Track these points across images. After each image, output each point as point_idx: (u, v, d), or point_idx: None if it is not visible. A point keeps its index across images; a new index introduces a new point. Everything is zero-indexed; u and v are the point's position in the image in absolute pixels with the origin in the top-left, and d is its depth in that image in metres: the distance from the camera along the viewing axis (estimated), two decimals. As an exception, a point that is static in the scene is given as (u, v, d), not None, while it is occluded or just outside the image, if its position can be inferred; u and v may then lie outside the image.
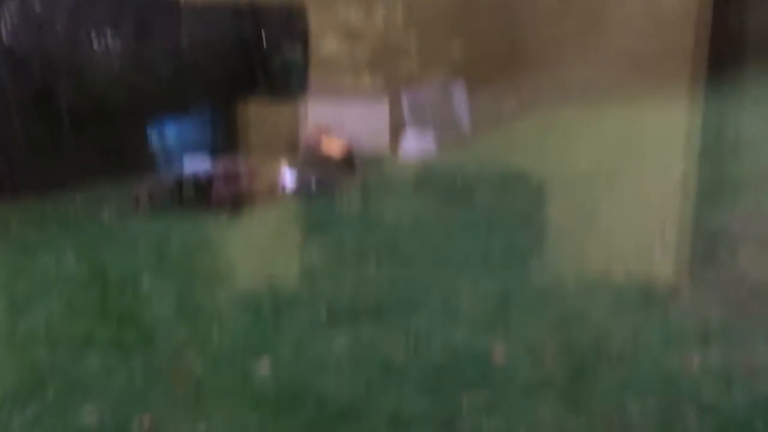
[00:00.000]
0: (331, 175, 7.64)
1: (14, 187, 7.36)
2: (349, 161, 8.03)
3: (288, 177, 7.61)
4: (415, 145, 8.88)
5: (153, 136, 7.58)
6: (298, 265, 5.51)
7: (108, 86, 8.00)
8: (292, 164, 7.77)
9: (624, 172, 6.76)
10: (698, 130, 7.41)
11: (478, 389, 3.67)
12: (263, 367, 3.86)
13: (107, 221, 6.74)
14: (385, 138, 8.97)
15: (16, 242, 6.28)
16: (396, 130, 9.02)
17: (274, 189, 7.58)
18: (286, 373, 3.81)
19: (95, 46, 8.14)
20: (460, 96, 9.30)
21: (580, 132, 8.15)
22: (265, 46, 8.77)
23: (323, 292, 5.00)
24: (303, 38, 8.90)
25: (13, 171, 7.53)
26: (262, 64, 8.78)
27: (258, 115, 8.48)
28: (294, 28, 8.93)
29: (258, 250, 5.77)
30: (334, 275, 5.31)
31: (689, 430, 3.27)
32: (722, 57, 7.88)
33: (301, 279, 5.23)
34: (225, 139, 7.86)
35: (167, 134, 7.63)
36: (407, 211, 6.79)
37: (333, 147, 8.09)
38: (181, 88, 8.13)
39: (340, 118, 8.45)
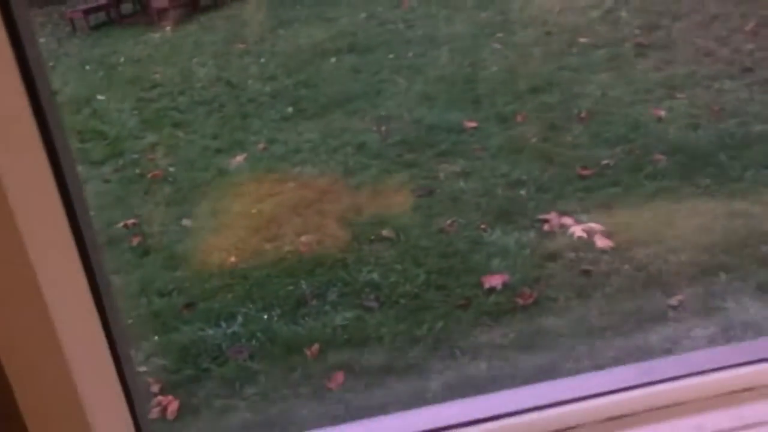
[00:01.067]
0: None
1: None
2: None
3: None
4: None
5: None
6: (256, 67, 5.31)
7: None
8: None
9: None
10: None
11: (453, 158, 3.73)
12: (237, 161, 3.85)
13: (47, 47, 6.30)
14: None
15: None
16: None
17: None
18: (261, 164, 3.80)
19: None
20: None
21: None
22: None
23: (287, 89, 4.87)
24: None
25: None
26: None
27: None
28: None
29: (210, 55, 5.51)
30: (297, 72, 5.14)
31: (658, 170, 3.40)
32: None
33: (262, 79, 5.06)
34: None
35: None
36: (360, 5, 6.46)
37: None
38: None
39: None
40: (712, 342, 2.31)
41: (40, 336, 0.64)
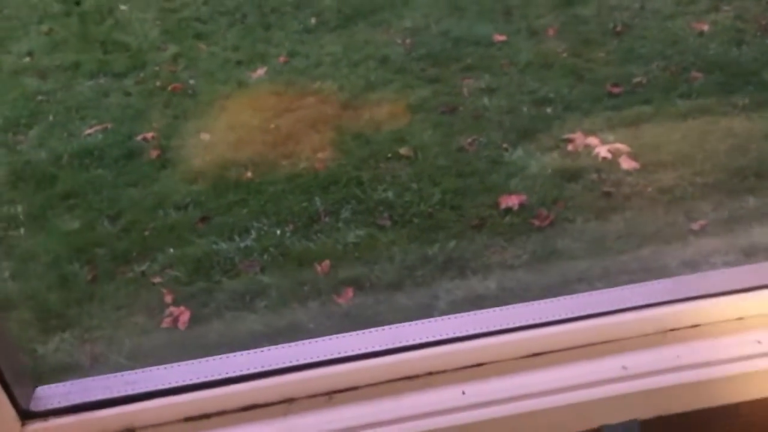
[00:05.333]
0: None
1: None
2: None
3: None
4: None
5: None
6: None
7: None
8: None
9: None
10: None
11: (479, 73, 3.59)
12: (258, 74, 3.77)
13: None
14: None
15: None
16: None
17: None
18: (282, 78, 3.72)
19: None
20: None
21: None
22: None
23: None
24: None
25: None
26: None
27: None
28: None
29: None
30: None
31: (694, 88, 3.22)
32: None
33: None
34: None
35: None
36: None
37: None
38: None
39: None
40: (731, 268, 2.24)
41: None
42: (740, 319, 0.79)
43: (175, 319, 2.17)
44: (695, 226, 2.46)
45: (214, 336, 2.15)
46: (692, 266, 2.32)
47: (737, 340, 0.78)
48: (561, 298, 0.82)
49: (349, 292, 2.29)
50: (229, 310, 2.24)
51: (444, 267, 2.36)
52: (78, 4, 5.04)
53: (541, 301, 0.83)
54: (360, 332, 0.82)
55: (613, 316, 0.76)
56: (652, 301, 0.77)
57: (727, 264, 2.29)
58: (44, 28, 4.70)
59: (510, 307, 0.81)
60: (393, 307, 2.21)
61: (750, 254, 2.31)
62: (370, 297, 2.27)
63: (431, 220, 2.59)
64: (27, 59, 4.23)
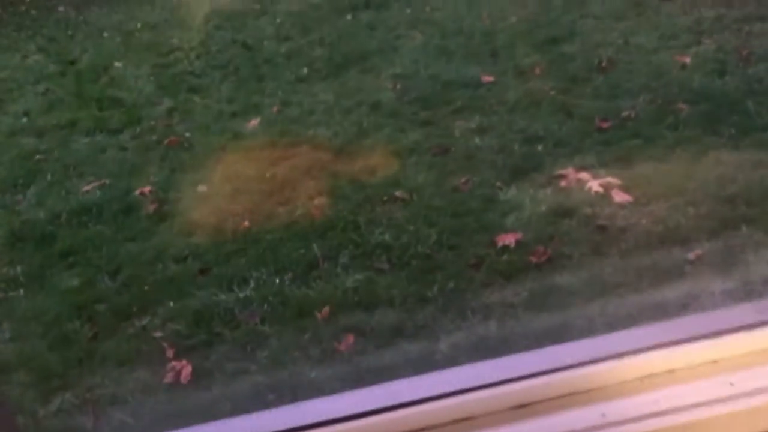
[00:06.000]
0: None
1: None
2: None
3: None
4: None
5: None
6: (272, 27, 5.24)
7: None
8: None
9: None
10: None
11: (469, 114, 3.66)
12: (252, 125, 3.84)
13: (65, 15, 6.32)
14: None
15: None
16: None
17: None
18: (276, 127, 3.78)
19: None
20: None
21: None
22: None
23: (303, 48, 4.81)
24: None
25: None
26: None
27: None
28: None
29: (226, 17, 5.45)
30: (312, 30, 5.07)
31: (681, 119, 3.28)
32: None
33: (277, 40, 5.00)
34: None
35: None
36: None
37: None
38: None
39: None
40: (730, 297, 2.25)
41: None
42: (714, 362, 0.82)
43: (177, 374, 2.16)
44: (691, 255, 2.48)
45: (217, 389, 2.14)
46: (692, 296, 2.33)
47: (711, 383, 0.80)
48: (542, 350, 0.84)
49: (350, 338, 2.28)
50: (231, 362, 2.24)
51: (444, 308, 2.37)
52: (73, 63, 5.15)
53: (524, 354, 0.85)
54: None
55: (592, 366, 0.77)
56: (629, 348, 0.78)
57: (725, 292, 2.30)
58: (41, 88, 4.79)
59: (493, 361, 0.83)
60: (394, 353, 2.21)
61: (747, 282, 2.32)
62: (371, 343, 2.27)
63: (429, 262, 2.61)
64: (24, 119, 4.29)
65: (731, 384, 0.81)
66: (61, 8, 6.36)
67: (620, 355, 0.79)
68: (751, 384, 0.82)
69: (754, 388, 0.82)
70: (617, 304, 2.31)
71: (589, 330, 2.21)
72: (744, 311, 0.87)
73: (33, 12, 6.41)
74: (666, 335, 0.81)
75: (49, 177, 3.58)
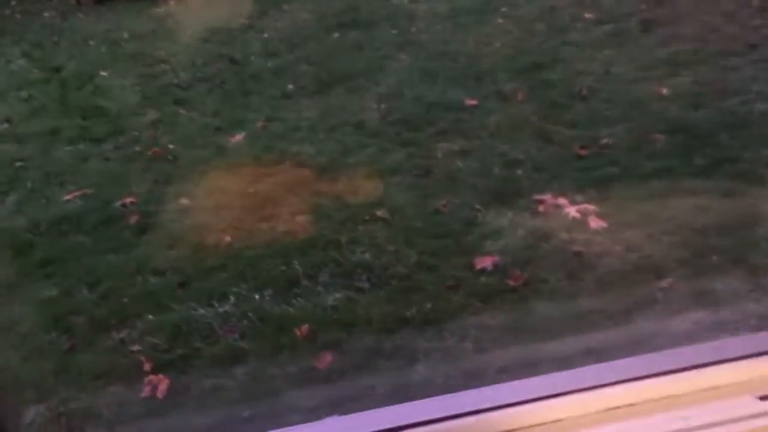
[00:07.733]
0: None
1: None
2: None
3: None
4: None
5: None
6: (259, 42, 5.28)
7: None
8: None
9: None
10: None
11: (451, 137, 3.71)
12: (236, 140, 3.86)
13: (51, 22, 6.30)
14: None
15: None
16: None
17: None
18: (260, 143, 3.81)
19: None
20: None
21: None
22: None
23: (289, 65, 4.85)
24: None
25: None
26: None
27: None
28: None
29: (213, 31, 5.48)
30: (299, 47, 5.11)
31: (657, 149, 3.37)
32: None
33: (264, 55, 5.04)
34: None
35: None
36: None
37: None
38: None
39: None
40: (697, 324, 2.32)
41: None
42: (671, 397, 0.87)
43: (154, 388, 2.16)
44: (664, 283, 2.55)
45: (192, 405, 2.14)
46: (663, 323, 2.39)
47: (668, 417, 0.85)
48: (511, 383, 0.89)
49: (328, 356, 2.30)
50: (208, 377, 2.24)
51: (422, 329, 2.40)
52: (58, 70, 5.13)
53: (471, 391, 0.89)
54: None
55: (559, 398, 0.81)
56: (593, 383, 0.83)
57: (696, 320, 2.36)
58: (24, 94, 4.77)
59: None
60: (371, 371, 2.23)
61: (716, 310, 2.39)
62: (349, 361, 2.29)
63: (408, 282, 2.64)
64: (5, 125, 4.27)
65: (685, 418, 0.86)
66: (47, 14, 6.35)
67: (585, 389, 0.83)
68: (704, 419, 0.87)
69: (705, 423, 0.87)
70: (591, 328, 2.36)
71: (563, 353, 2.26)
72: (699, 351, 0.92)
73: (18, 16, 6.39)
74: (628, 372, 0.86)
75: (29, 185, 3.57)
